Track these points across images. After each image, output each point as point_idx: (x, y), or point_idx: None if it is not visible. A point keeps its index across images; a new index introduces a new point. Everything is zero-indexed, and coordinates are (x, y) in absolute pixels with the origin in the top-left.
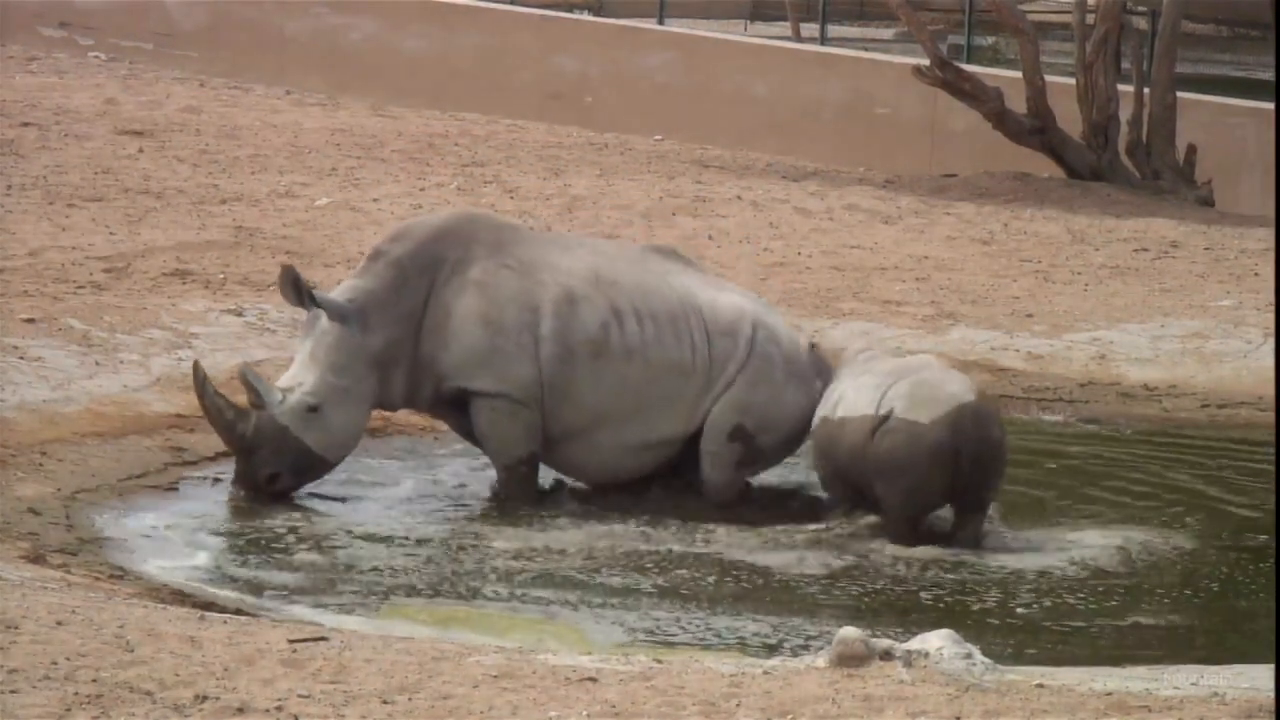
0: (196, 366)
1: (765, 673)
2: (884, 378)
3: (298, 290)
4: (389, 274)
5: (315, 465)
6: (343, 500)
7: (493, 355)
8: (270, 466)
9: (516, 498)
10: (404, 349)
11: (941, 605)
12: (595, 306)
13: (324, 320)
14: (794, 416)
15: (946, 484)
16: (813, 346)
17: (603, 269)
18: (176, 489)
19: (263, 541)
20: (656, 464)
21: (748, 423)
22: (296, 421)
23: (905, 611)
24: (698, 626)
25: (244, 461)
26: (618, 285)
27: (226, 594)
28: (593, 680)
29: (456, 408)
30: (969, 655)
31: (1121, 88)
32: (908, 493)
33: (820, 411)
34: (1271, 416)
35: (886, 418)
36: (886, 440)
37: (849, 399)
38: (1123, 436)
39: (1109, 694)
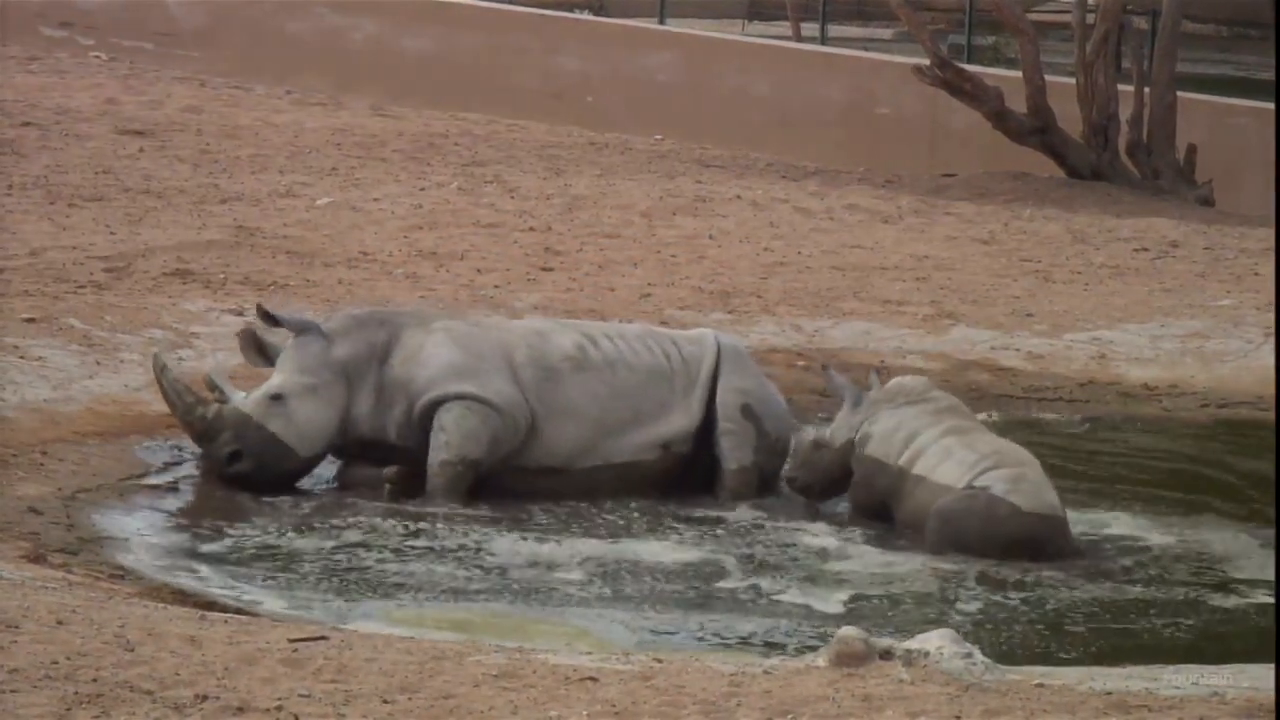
0: (156, 357)
1: (765, 672)
2: (979, 456)
3: (269, 318)
4: (348, 319)
5: (282, 454)
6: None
7: (474, 368)
8: (232, 445)
9: (443, 499)
10: (370, 368)
11: (941, 605)
12: (564, 333)
13: (289, 343)
14: (782, 405)
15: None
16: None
17: (553, 321)
18: (176, 489)
19: (261, 541)
20: (677, 462)
21: (753, 404)
22: (259, 409)
23: (906, 611)
24: (695, 628)
25: (204, 446)
26: (574, 324)
27: (226, 593)
28: (593, 680)
29: (424, 432)
30: (969, 655)
31: (1121, 87)
32: (960, 547)
33: (878, 449)
34: (1271, 416)
35: (983, 490)
36: (977, 510)
37: (932, 459)
38: (1121, 435)
39: (1109, 694)
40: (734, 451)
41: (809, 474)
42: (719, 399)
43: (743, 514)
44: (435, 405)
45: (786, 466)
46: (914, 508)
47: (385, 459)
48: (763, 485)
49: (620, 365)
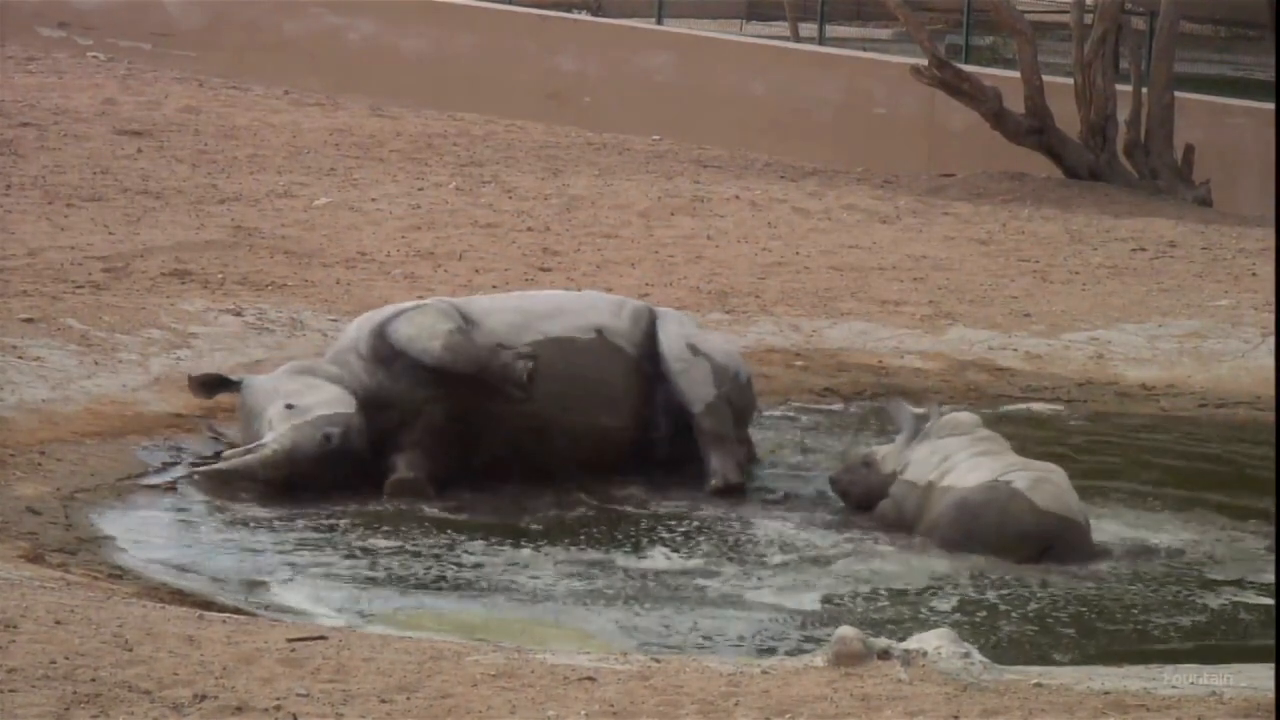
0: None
1: (764, 672)
2: (1007, 464)
3: (214, 384)
4: None
5: (344, 420)
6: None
7: (391, 307)
8: (314, 438)
9: (460, 366)
10: (315, 364)
11: (937, 604)
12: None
13: (240, 398)
14: (733, 345)
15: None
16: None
17: None
18: (176, 489)
19: (262, 542)
20: (626, 367)
21: (697, 343)
22: (286, 421)
23: (901, 611)
24: (688, 628)
25: (292, 469)
26: None
27: (224, 593)
28: (591, 679)
29: (381, 363)
30: (967, 654)
31: (1119, 88)
32: (973, 539)
33: (913, 472)
34: (1270, 416)
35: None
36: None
37: (961, 471)
38: (1119, 435)
39: (1107, 693)
40: (695, 389)
41: (851, 482)
42: (662, 345)
43: (730, 513)
44: (376, 335)
45: (837, 469)
46: (935, 511)
47: (382, 414)
48: (739, 423)
49: (528, 295)
